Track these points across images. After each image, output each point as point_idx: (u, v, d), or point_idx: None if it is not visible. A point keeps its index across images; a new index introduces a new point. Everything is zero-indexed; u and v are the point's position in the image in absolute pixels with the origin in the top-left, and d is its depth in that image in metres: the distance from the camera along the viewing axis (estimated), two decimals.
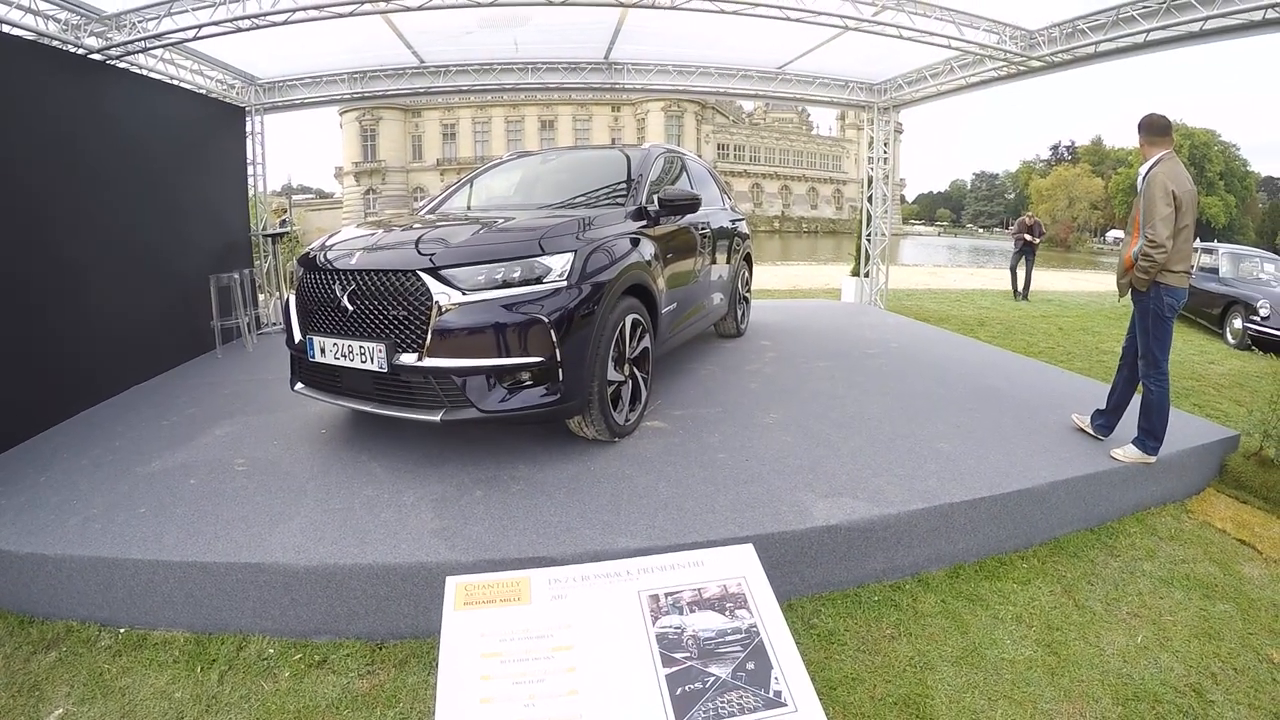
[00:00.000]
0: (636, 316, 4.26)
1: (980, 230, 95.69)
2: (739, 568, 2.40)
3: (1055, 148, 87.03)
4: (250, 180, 9.11)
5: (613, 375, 4.03)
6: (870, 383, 5.61)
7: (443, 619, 2.24)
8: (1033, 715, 2.68)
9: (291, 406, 4.95)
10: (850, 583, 3.40)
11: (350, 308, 3.71)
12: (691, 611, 2.25)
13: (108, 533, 3.32)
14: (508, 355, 3.54)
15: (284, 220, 11.07)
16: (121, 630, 3.17)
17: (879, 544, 3.39)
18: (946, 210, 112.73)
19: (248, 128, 9.02)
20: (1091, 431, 4.35)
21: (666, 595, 2.29)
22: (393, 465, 3.99)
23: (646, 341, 4.44)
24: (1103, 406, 4.35)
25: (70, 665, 2.98)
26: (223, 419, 4.92)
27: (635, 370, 4.34)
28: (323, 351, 3.81)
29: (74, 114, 5.48)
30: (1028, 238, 15.01)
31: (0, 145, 4.70)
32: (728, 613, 2.25)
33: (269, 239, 9.53)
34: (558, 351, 3.59)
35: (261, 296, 8.92)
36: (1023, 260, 15.24)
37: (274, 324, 8.64)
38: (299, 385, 4.20)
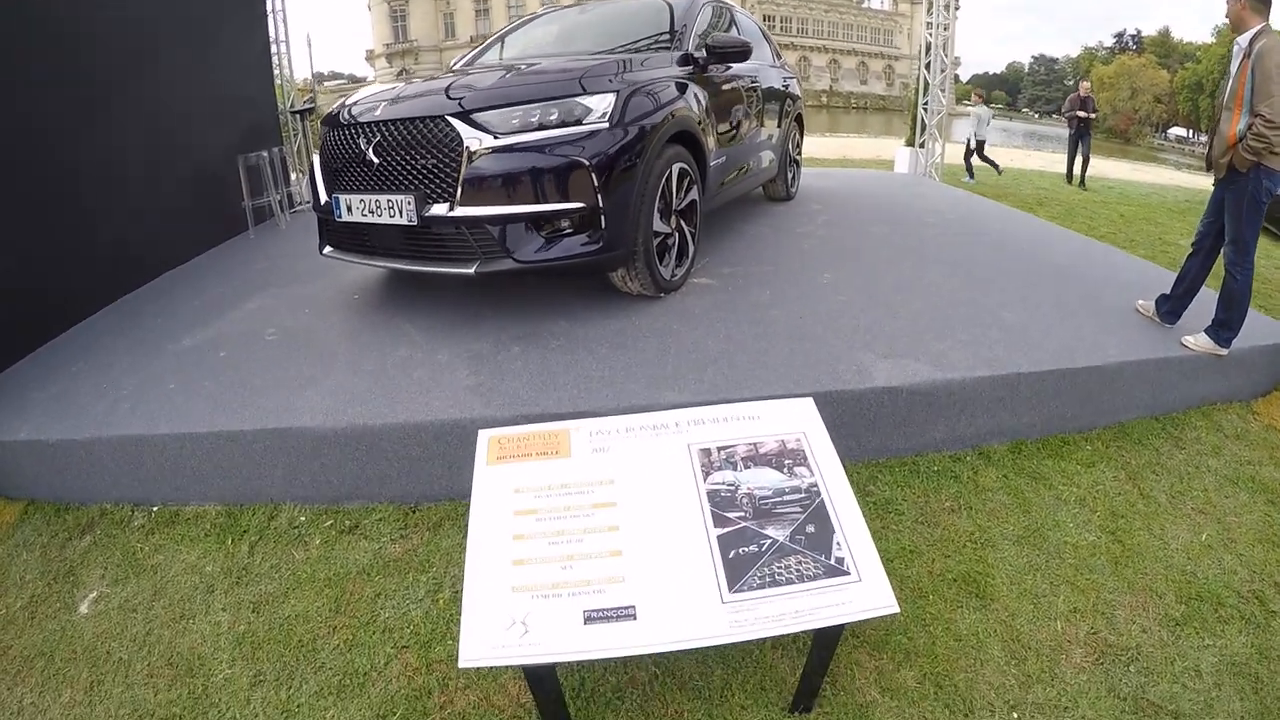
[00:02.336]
0: (684, 166, 3.95)
1: (1036, 115, 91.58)
2: (798, 422, 2.18)
3: (1120, 36, 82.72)
4: (275, 59, 8.80)
5: (659, 227, 3.76)
6: (929, 250, 5.26)
7: (474, 475, 2.07)
8: (1095, 604, 2.54)
9: (324, 276, 4.77)
10: (909, 451, 3.21)
11: (376, 160, 3.45)
12: (746, 468, 2.04)
13: (137, 411, 3.22)
14: (545, 201, 3.27)
15: (310, 97, 10.66)
16: (155, 508, 3.12)
17: (940, 411, 3.18)
18: (1002, 93, 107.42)
19: (268, 6, 8.63)
20: (1157, 318, 4.02)
21: (719, 450, 2.08)
22: (428, 325, 3.80)
23: (694, 194, 4.13)
24: (1167, 292, 4.00)
25: (104, 548, 2.94)
26: (254, 293, 4.76)
27: (682, 223, 4.06)
28: (349, 210, 3.58)
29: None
30: (1081, 114, 13.65)
31: (17, 31, 4.39)
32: (786, 470, 2.04)
33: (297, 115, 9.28)
34: (599, 197, 3.32)
35: (292, 175, 8.69)
36: (1079, 143, 13.93)
37: (306, 202, 8.38)
38: (327, 249, 4.00)
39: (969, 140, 13.48)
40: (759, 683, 2.26)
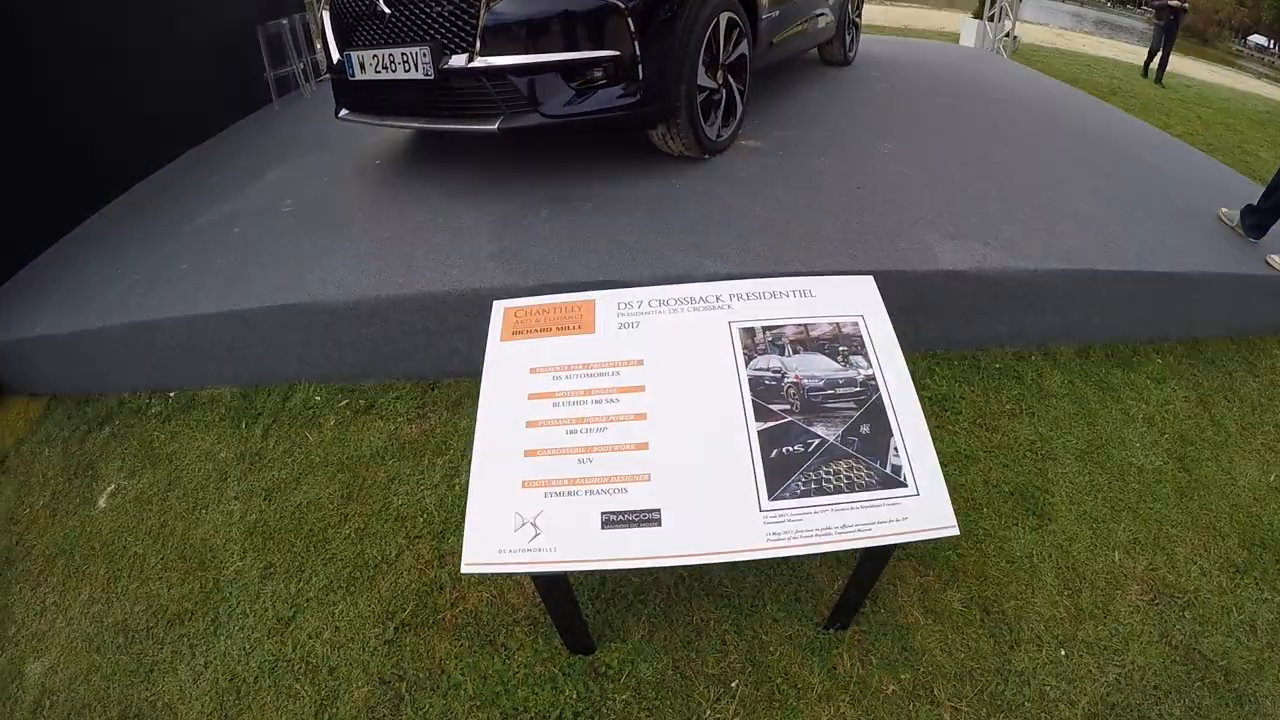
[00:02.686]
0: (732, 16, 3.51)
1: (1107, 2, 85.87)
2: (856, 303, 1.89)
3: None
4: None
5: (704, 81, 3.37)
6: (998, 128, 4.78)
7: (485, 352, 1.84)
8: (1156, 537, 2.34)
9: (346, 142, 4.48)
10: (970, 344, 2.95)
11: (388, 10, 3.10)
12: (795, 352, 1.77)
13: (149, 295, 3.04)
14: (576, 49, 2.91)
15: None
16: (171, 394, 3.02)
17: (1008, 303, 2.88)
18: None
19: None
20: (1240, 231, 3.59)
21: (765, 330, 1.81)
22: (450, 189, 3.50)
23: (744, 48, 3.71)
24: (1254, 204, 3.57)
25: (122, 438, 2.88)
26: (274, 165, 4.49)
27: (730, 79, 3.65)
28: (362, 67, 3.26)
29: None
30: (1173, 3, 12.37)
31: None
32: (840, 358, 1.77)
33: None
34: (636, 45, 2.95)
35: (315, 42, 8.28)
36: (1164, 36, 12.54)
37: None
38: (343, 111, 3.69)
39: None
40: (794, 593, 2.10)
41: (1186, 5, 12.71)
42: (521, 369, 1.76)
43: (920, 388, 2.64)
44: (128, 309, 2.98)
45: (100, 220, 4.19)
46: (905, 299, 2.71)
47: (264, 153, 4.84)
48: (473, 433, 1.67)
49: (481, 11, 2.88)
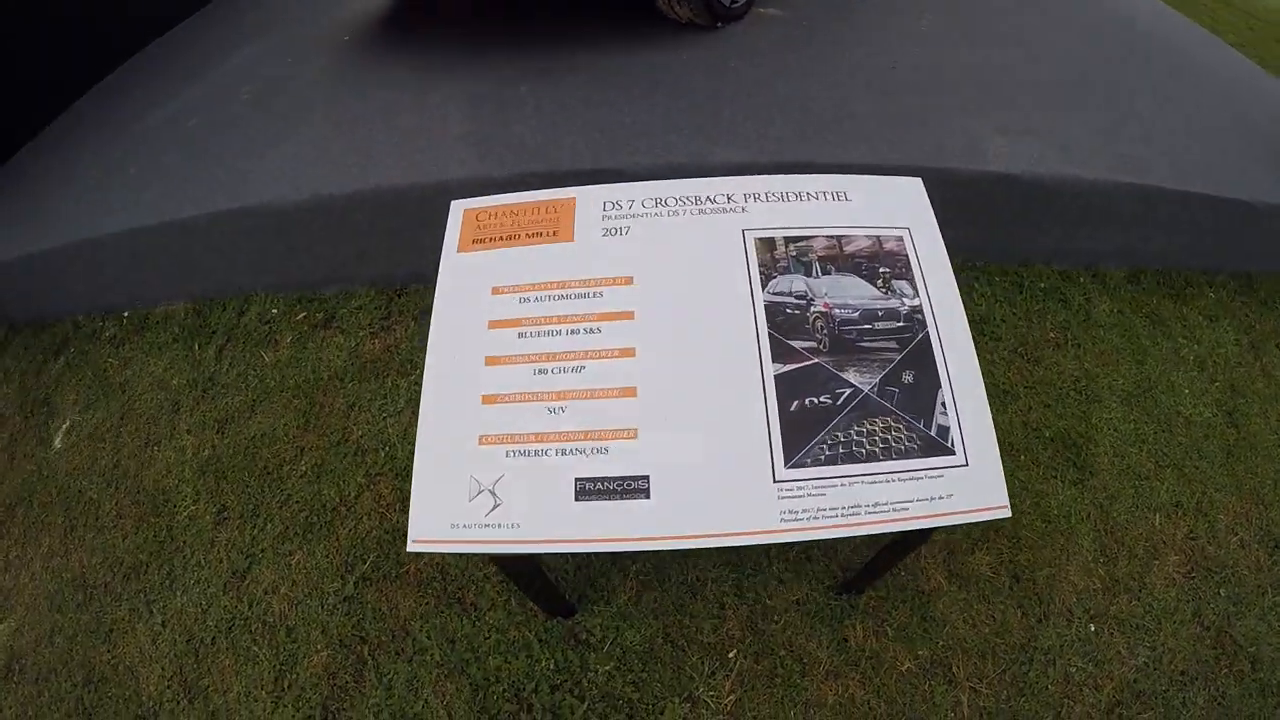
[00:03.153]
0: None
1: None
2: (901, 212, 1.51)
3: None
4: None
5: None
6: (1051, 10, 4.25)
7: (439, 265, 1.49)
8: (1199, 501, 2.12)
9: (317, 16, 3.97)
10: (1014, 257, 2.60)
11: None
12: (824, 272, 1.41)
13: (96, 208, 2.69)
14: None
15: None
16: (125, 314, 2.75)
17: (1060, 214, 2.50)
18: None
19: None
20: None
21: (787, 241, 1.44)
22: (421, 64, 3.05)
23: None
24: None
25: (76, 368, 2.64)
26: (240, 45, 3.99)
27: None
28: None
29: None
30: None
31: None
32: (880, 282, 1.41)
33: None
34: None
35: None
36: None
37: None
38: None
39: None
40: (804, 550, 1.82)
41: None
42: (481, 288, 1.41)
43: None
44: (75, 225, 2.66)
45: (59, 126, 3.76)
46: (947, 200, 2.28)
47: (231, 33, 4.31)
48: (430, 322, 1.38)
49: None
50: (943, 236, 1.88)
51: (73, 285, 2.74)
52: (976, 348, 2.15)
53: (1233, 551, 2.02)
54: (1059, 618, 1.82)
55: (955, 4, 3.91)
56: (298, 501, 2.03)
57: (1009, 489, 1.89)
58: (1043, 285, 2.55)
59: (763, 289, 1.37)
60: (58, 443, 2.42)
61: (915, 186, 1.57)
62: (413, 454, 1.94)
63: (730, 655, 1.69)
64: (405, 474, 1.99)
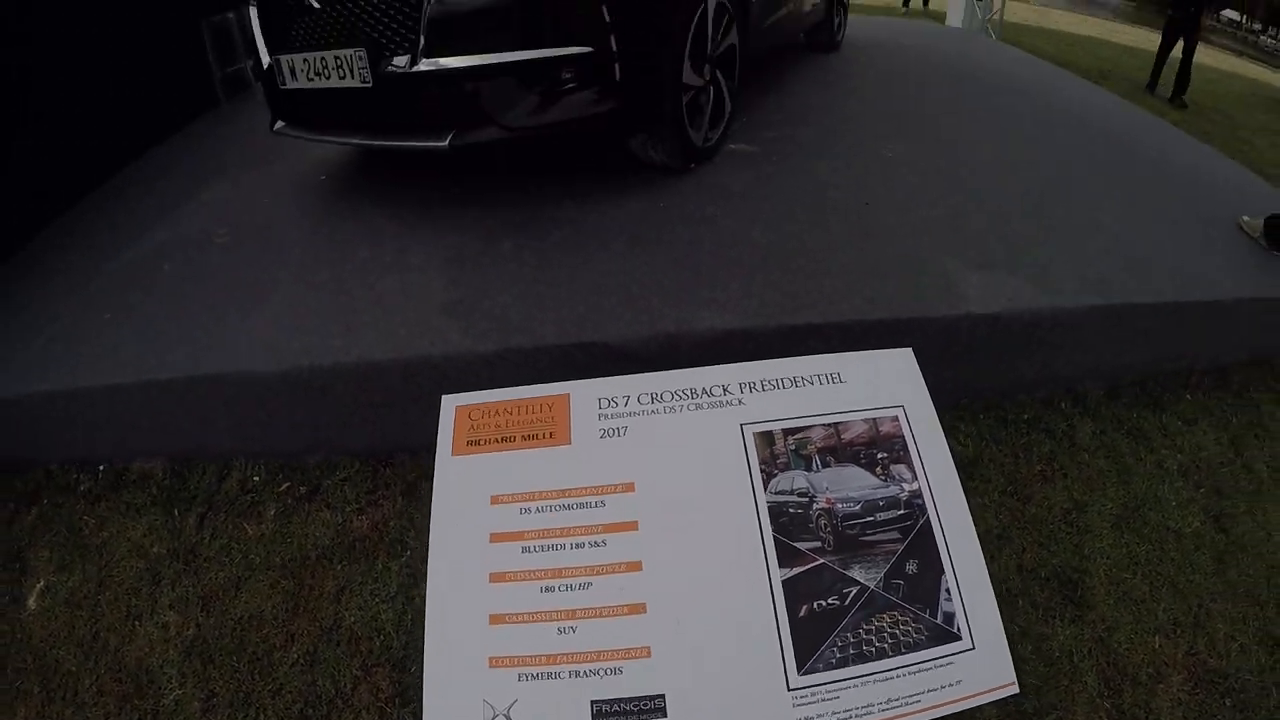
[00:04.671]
0: (721, 0, 3.13)
1: None
2: (894, 388, 1.53)
3: None
4: None
5: (689, 79, 2.95)
6: (1005, 124, 4.44)
7: (435, 469, 1.48)
8: (1195, 615, 2.11)
9: (290, 153, 4.03)
10: (995, 392, 2.61)
11: (317, 5, 2.68)
12: (824, 464, 1.41)
13: (67, 355, 2.63)
14: (539, 45, 2.47)
15: None
16: (101, 469, 2.63)
17: (1038, 345, 2.54)
18: None
19: None
20: (1263, 243, 3.28)
21: (787, 434, 1.44)
22: (400, 213, 3.09)
23: (734, 37, 3.30)
24: (1278, 214, 3.28)
25: (50, 521, 2.51)
26: (214, 180, 4.06)
27: (718, 74, 3.24)
28: (293, 74, 2.84)
29: None
30: None
31: None
32: (879, 470, 1.42)
33: None
34: (612, 39, 2.53)
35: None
36: (1180, 31, 8.86)
37: None
38: (278, 124, 3.27)
39: None
40: None
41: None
42: (481, 497, 1.40)
43: None
44: (46, 373, 2.58)
45: (28, 255, 3.76)
46: (928, 347, 2.34)
47: (206, 166, 4.39)
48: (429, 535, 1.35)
49: (425, 1, 2.46)
50: (925, 378, 1.92)
51: (44, 434, 2.65)
52: (966, 493, 2.16)
53: (1234, 659, 2.00)
54: None
55: (916, 126, 4.10)
56: (290, 692, 1.93)
57: (1009, 636, 1.89)
58: (1026, 417, 2.58)
59: (764, 489, 1.37)
60: (32, 603, 2.30)
61: (906, 359, 1.60)
62: (409, 644, 1.92)
63: None
64: (402, 665, 1.92)
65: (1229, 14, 54.62)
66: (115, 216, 3.89)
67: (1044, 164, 3.75)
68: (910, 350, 1.62)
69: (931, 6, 12.74)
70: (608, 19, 2.49)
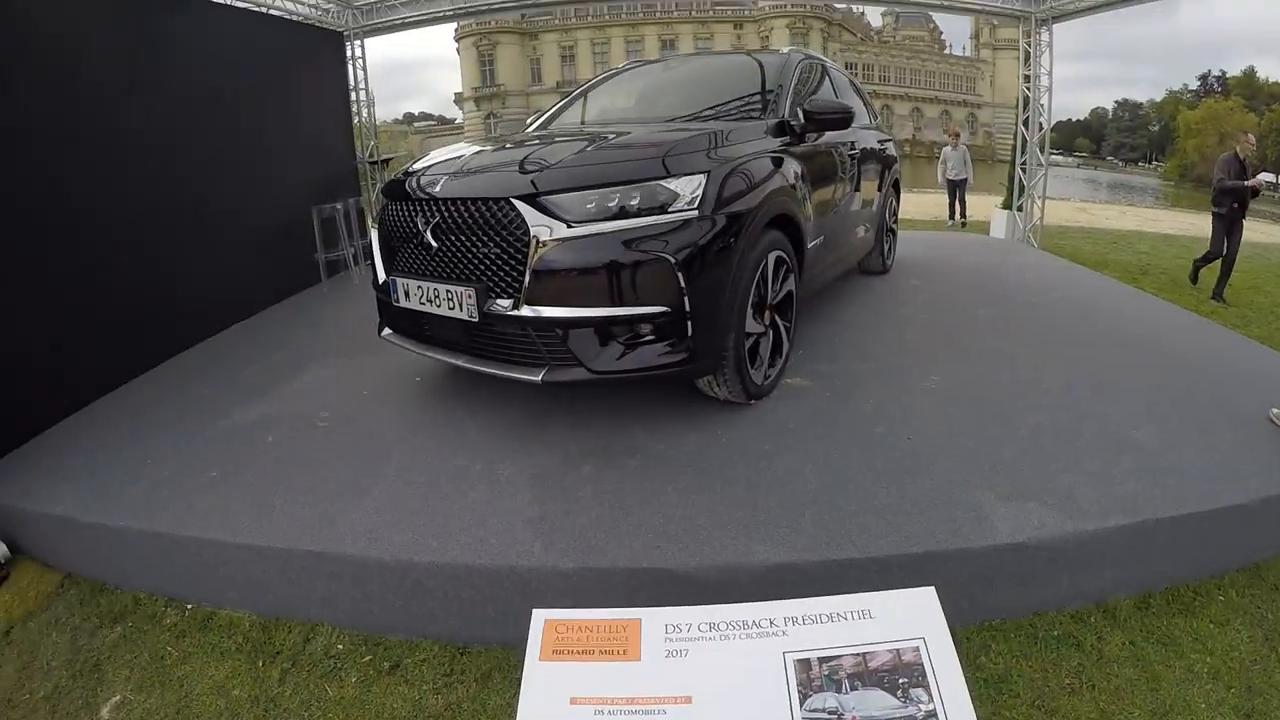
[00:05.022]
0: (781, 253, 3.57)
1: (1121, 163, 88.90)
2: (917, 623, 1.77)
3: (1204, 78, 78.20)
4: (354, 107, 8.88)
5: (751, 326, 3.38)
6: (1043, 341, 4.79)
7: (524, 669, 1.74)
8: None
9: (387, 348, 4.51)
10: (1026, 610, 2.77)
11: (435, 244, 3.17)
12: (852, 688, 1.65)
13: (174, 501, 3.04)
14: (623, 304, 2.91)
15: (372, 148, 10.35)
16: (189, 606, 2.91)
17: (1066, 565, 2.73)
18: (1086, 140, 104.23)
19: (347, 53, 8.76)
20: None
21: (821, 662, 1.69)
22: (490, 425, 3.48)
23: (791, 283, 3.74)
24: None
25: (133, 643, 2.76)
26: (313, 362, 4.61)
27: (777, 318, 3.67)
28: (407, 295, 3.32)
29: (162, 45, 5.19)
30: (1246, 184, 8.15)
31: (83, 81, 4.41)
32: (900, 693, 1.64)
33: (374, 166, 9.24)
34: (686, 300, 2.95)
35: (370, 226, 8.70)
36: (1227, 236, 8.32)
37: None
38: (386, 331, 3.76)
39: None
40: None
41: (1262, 186, 8.73)
42: (562, 698, 1.65)
43: (976, 667, 2.56)
44: (151, 513, 2.97)
45: (137, 388, 4.34)
46: (961, 575, 2.61)
47: (306, 344, 5.00)
48: (503, 712, 1.59)
49: (530, 257, 2.91)
50: (960, 602, 2.13)
51: (141, 564, 2.97)
52: (994, 708, 2.36)
53: None
54: None
55: (958, 353, 4.48)
56: None
57: None
58: (1055, 633, 2.70)
59: (801, 707, 1.60)
60: (105, 714, 2.47)
61: (929, 596, 1.83)
62: None
63: None
64: None
65: (1266, 177, 55.25)
66: (222, 376, 4.44)
67: (1080, 382, 4.03)
68: (933, 589, 1.85)
69: (976, 216, 13.41)
70: (682, 285, 2.92)
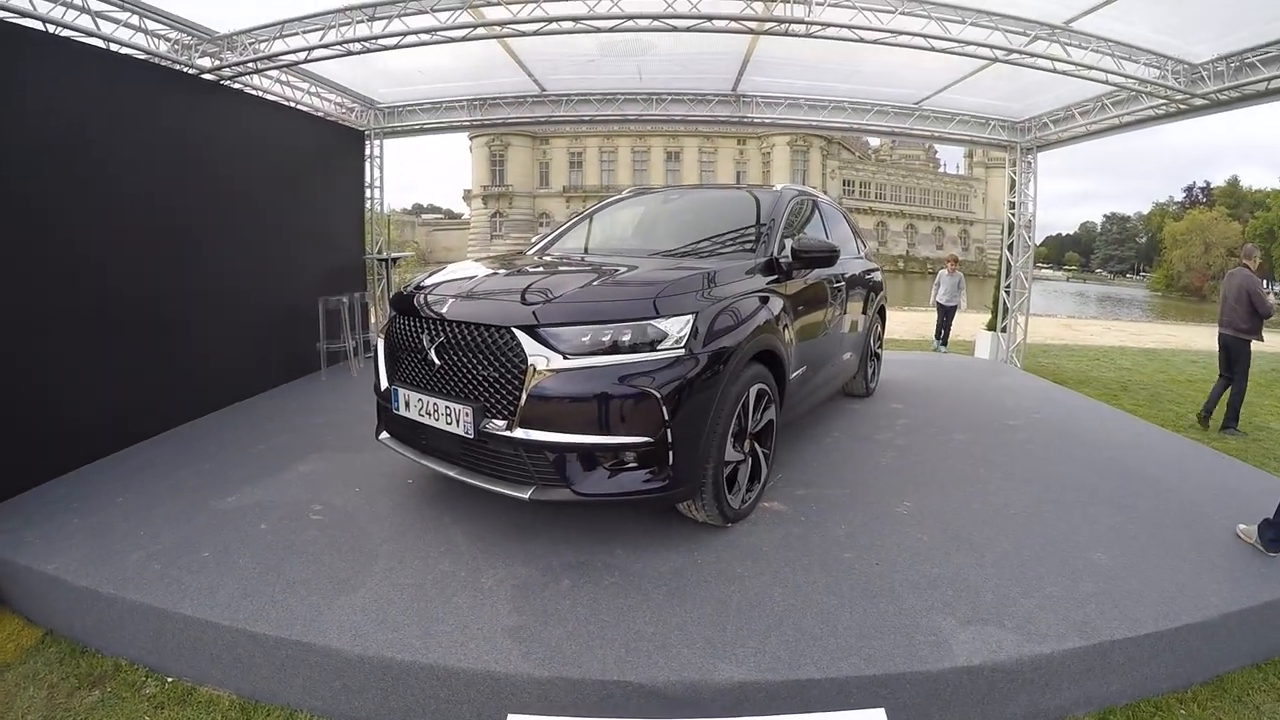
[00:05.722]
0: (762, 386, 3.78)
1: (1110, 275, 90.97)
2: None
3: (1189, 190, 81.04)
4: (367, 203, 9.17)
5: (730, 455, 3.56)
6: (1015, 465, 4.98)
7: None
8: None
9: (381, 448, 4.70)
10: None
11: (438, 362, 3.39)
12: None
13: (166, 576, 3.18)
14: (610, 432, 3.10)
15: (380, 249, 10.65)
16: (169, 679, 2.98)
17: (1023, 685, 2.82)
18: (1075, 254, 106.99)
19: (366, 150, 9.08)
20: (1261, 547, 3.61)
21: None
22: (476, 533, 3.63)
23: (771, 413, 3.94)
24: (1270, 517, 3.62)
25: (111, 709, 2.80)
26: (310, 453, 4.79)
27: (756, 445, 3.86)
28: (407, 405, 3.51)
29: (184, 133, 5.56)
30: (1274, 299, 7.56)
31: (114, 163, 4.76)
32: None
33: (382, 263, 9.54)
34: (669, 432, 3.14)
35: (373, 320, 8.91)
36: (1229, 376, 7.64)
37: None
38: (384, 435, 3.93)
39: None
40: None
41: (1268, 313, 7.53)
42: None
43: None
44: (143, 585, 3.10)
45: (137, 453, 4.56)
46: (918, 697, 2.70)
47: (304, 433, 5.22)
48: None
49: (526, 383, 3.12)
50: None
51: (127, 633, 3.05)
52: None
53: None
54: None
55: (932, 480, 4.65)
56: None
57: None
58: None
59: None
60: None
61: (878, 718, 1.96)
62: None
63: None
64: None
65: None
66: (221, 456, 4.68)
67: (1049, 506, 4.21)
68: (883, 711, 1.99)
69: (962, 336, 13.68)
70: (666, 417, 3.13)
